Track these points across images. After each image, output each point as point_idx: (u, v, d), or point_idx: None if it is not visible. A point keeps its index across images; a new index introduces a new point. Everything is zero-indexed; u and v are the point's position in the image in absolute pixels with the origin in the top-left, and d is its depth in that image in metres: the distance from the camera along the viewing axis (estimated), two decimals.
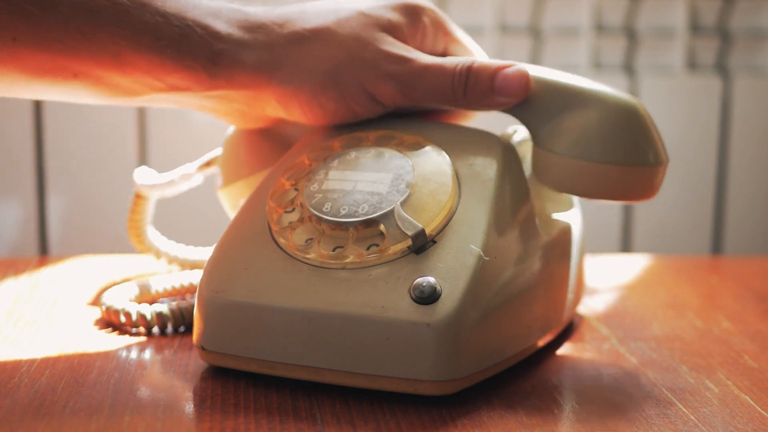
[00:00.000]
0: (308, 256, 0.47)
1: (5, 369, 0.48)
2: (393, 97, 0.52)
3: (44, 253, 1.04)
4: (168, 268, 0.65)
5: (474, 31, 1.04)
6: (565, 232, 0.55)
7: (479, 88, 0.52)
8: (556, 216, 0.56)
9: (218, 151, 0.61)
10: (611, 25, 1.06)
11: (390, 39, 0.53)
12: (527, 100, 0.52)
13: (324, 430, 0.43)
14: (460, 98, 0.52)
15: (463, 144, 0.52)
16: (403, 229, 0.47)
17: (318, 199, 0.49)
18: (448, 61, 0.52)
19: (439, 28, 0.55)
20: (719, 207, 1.10)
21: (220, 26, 0.51)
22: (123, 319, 0.54)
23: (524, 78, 0.52)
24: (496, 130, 0.54)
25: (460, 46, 0.56)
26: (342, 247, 0.47)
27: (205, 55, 0.50)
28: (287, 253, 0.48)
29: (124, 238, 1.07)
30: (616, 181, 0.51)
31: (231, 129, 0.60)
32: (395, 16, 0.53)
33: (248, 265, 0.48)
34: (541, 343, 0.52)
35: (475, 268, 0.46)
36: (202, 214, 1.00)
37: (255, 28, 0.52)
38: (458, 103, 0.52)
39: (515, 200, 0.50)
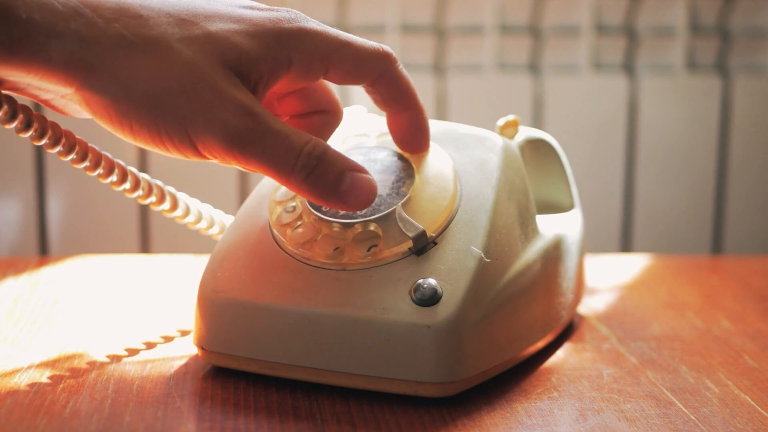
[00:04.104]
0: (309, 256, 0.47)
1: (5, 369, 0.48)
2: (218, 153, 0.44)
3: (44, 253, 1.04)
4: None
5: (474, 31, 1.04)
6: (565, 232, 0.55)
7: (325, 180, 0.44)
8: (556, 216, 0.56)
9: None
10: (611, 25, 1.06)
11: (235, 81, 0.44)
12: None
13: (324, 430, 0.43)
14: (297, 181, 0.44)
15: (464, 144, 0.52)
16: (404, 230, 0.47)
17: None
18: (297, 137, 0.44)
19: (322, 59, 0.46)
20: (719, 207, 1.10)
21: (23, 8, 0.41)
22: None
23: (372, 191, 0.45)
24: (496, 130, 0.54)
25: (342, 73, 0.47)
26: (342, 247, 0.47)
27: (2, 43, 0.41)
28: (288, 254, 0.48)
29: (124, 238, 1.07)
30: None
31: None
32: (254, 47, 0.44)
33: (248, 266, 0.48)
34: (542, 343, 0.52)
35: (475, 270, 0.46)
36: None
37: (70, 14, 0.42)
38: (291, 184, 0.44)
39: (516, 201, 0.50)
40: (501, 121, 0.54)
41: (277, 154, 0.44)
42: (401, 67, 0.49)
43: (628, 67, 1.07)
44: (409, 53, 1.04)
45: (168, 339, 0.53)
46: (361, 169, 0.45)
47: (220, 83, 0.43)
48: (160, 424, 0.43)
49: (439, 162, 0.50)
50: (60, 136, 0.47)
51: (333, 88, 0.50)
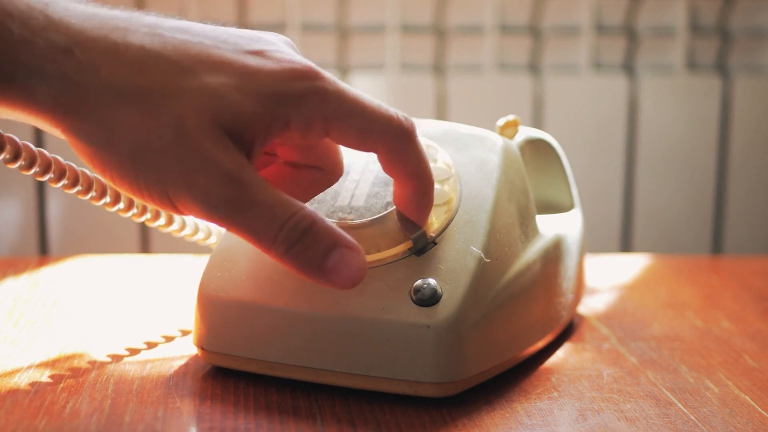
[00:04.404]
0: None
1: (5, 369, 0.48)
2: (196, 215, 0.42)
3: (44, 253, 1.04)
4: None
5: (474, 31, 1.04)
6: (565, 232, 0.55)
7: (307, 255, 0.42)
8: (556, 216, 0.56)
9: None
10: (611, 25, 1.06)
11: (227, 143, 0.41)
12: None
13: (324, 430, 0.43)
14: (277, 251, 0.42)
15: (464, 144, 0.52)
16: (403, 230, 0.47)
17: (318, 199, 0.49)
18: (282, 208, 0.41)
19: (324, 123, 0.43)
20: (719, 207, 1.10)
21: (10, 45, 0.39)
22: None
23: (361, 271, 0.42)
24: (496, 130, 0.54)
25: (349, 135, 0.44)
26: None
27: None
28: None
29: (124, 238, 1.07)
30: None
31: None
32: (250, 107, 0.41)
33: (248, 266, 0.48)
34: (542, 343, 0.52)
35: (475, 270, 0.46)
36: None
37: (61, 55, 0.40)
38: (275, 257, 0.42)
39: (515, 201, 0.50)
40: (501, 121, 0.54)
41: (258, 226, 0.41)
42: (418, 139, 0.45)
43: (628, 67, 1.07)
44: (409, 53, 1.04)
45: (168, 339, 0.53)
46: (351, 246, 0.42)
47: (206, 145, 0.41)
48: (160, 424, 0.43)
49: (438, 161, 0.50)
50: (49, 165, 0.47)
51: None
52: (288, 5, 1.00)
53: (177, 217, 0.53)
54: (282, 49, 0.44)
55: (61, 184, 0.47)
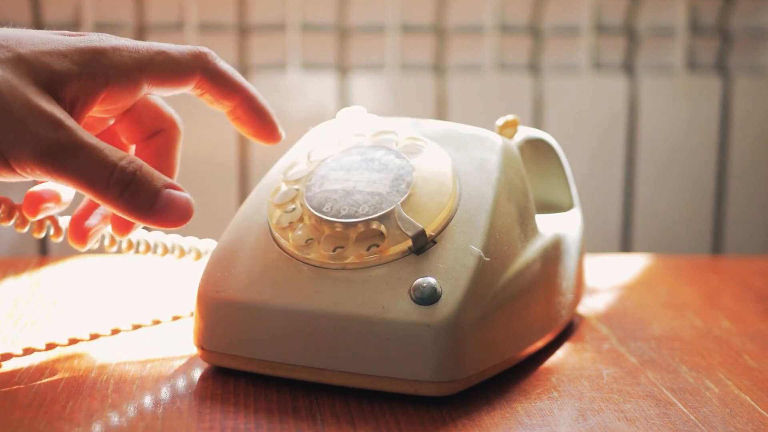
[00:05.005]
0: (308, 256, 0.47)
1: (5, 369, 0.48)
2: (30, 168, 0.43)
3: (44, 253, 1.04)
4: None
5: (474, 31, 1.04)
6: (565, 232, 0.55)
7: (140, 196, 0.44)
8: (556, 216, 0.56)
9: None
10: (611, 25, 1.06)
11: (48, 98, 0.43)
12: None
13: (324, 430, 0.43)
14: (113, 197, 0.44)
15: (464, 144, 0.52)
16: (403, 229, 0.47)
17: (318, 199, 0.49)
18: (111, 152, 0.44)
19: (139, 70, 0.46)
20: (719, 207, 1.10)
21: None
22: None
23: (188, 208, 0.45)
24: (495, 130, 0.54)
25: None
26: (342, 247, 0.47)
27: None
28: (287, 254, 0.48)
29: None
30: None
31: None
32: (66, 66, 0.44)
33: (248, 265, 0.48)
34: (541, 343, 0.52)
35: (475, 269, 0.46)
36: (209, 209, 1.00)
37: None
38: (108, 200, 0.44)
39: (515, 200, 0.50)
40: (500, 121, 0.54)
41: (90, 169, 0.43)
42: (221, 62, 0.49)
43: (628, 67, 1.07)
44: (409, 53, 1.04)
45: (168, 339, 0.53)
46: (176, 187, 0.45)
47: (31, 99, 0.43)
48: (160, 424, 0.43)
49: (438, 161, 0.50)
50: (12, 209, 0.48)
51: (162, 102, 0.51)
52: (288, 5, 1.00)
53: (153, 242, 0.55)
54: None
55: (26, 229, 0.50)
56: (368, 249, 0.47)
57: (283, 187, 0.51)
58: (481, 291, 0.46)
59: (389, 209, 0.47)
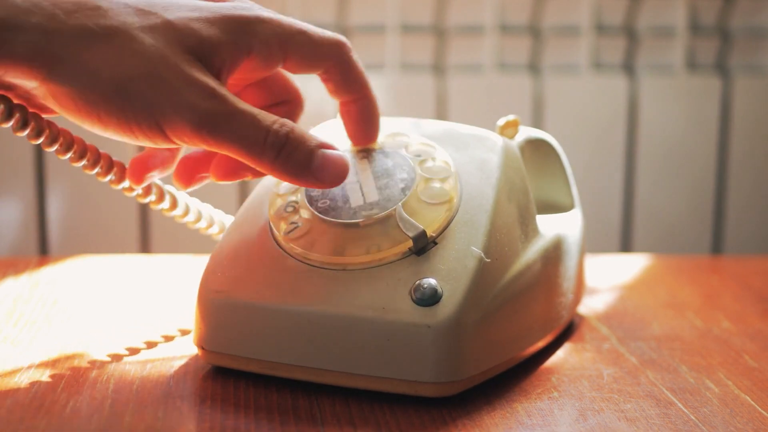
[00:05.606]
0: (309, 256, 0.47)
1: (5, 369, 0.48)
2: (186, 136, 0.44)
3: (44, 253, 1.04)
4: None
5: (474, 31, 1.04)
6: (565, 232, 0.55)
7: (295, 158, 0.44)
8: (556, 216, 0.56)
9: None
10: (611, 25, 1.06)
11: (199, 66, 0.44)
12: None
13: (324, 430, 0.43)
14: (269, 160, 0.44)
15: (464, 144, 0.52)
16: (404, 230, 0.47)
17: (319, 199, 0.49)
18: (264, 116, 0.44)
19: (280, 45, 0.47)
20: (719, 207, 1.10)
21: None
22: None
23: (345, 166, 0.46)
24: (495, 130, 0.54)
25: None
26: (343, 247, 0.47)
27: None
28: (288, 254, 0.48)
29: (124, 238, 1.07)
30: None
31: None
32: (214, 33, 0.45)
33: (249, 266, 0.48)
34: (542, 343, 0.52)
35: (476, 270, 0.46)
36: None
37: (30, 8, 0.42)
38: (264, 164, 0.44)
39: (516, 201, 0.50)
40: (501, 121, 0.54)
41: (245, 134, 0.44)
42: (356, 56, 0.49)
43: (628, 67, 1.07)
44: (409, 53, 1.04)
45: (168, 339, 0.53)
46: (330, 146, 0.45)
47: (184, 68, 0.43)
48: (160, 424, 0.43)
49: (439, 161, 0.50)
50: (57, 135, 0.47)
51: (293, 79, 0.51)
52: (288, 5, 1.00)
53: (180, 201, 0.53)
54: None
55: (67, 156, 0.47)
56: (369, 250, 0.47)
57: (284, 187, 0.51)
58: (481, 292, 0.46)
59: (390, 210, 0.47)
